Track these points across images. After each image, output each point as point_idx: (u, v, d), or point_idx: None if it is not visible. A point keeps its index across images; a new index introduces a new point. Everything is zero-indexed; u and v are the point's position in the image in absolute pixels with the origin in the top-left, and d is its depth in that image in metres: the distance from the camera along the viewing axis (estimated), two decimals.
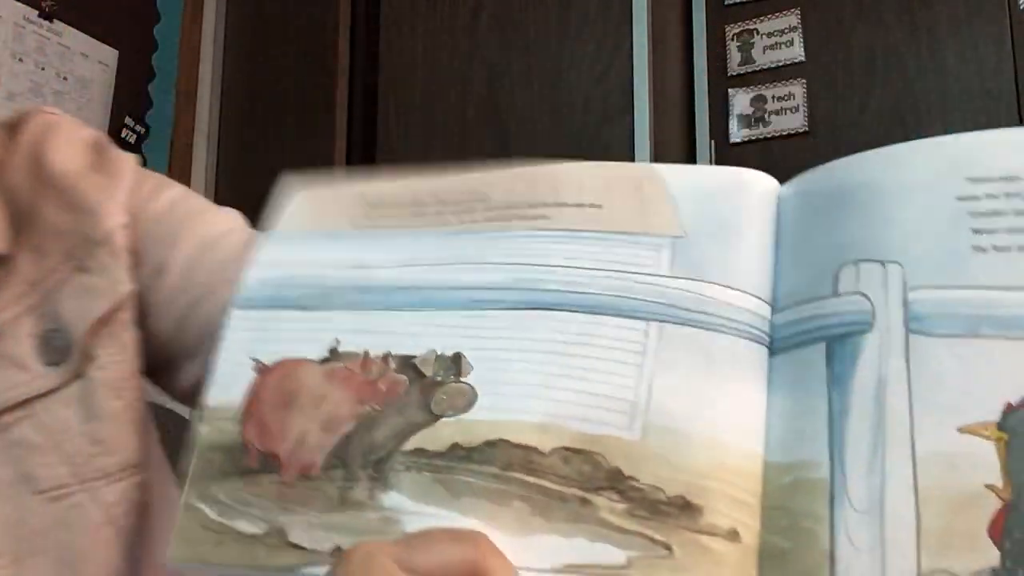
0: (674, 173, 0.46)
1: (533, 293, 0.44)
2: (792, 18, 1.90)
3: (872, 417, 0.36)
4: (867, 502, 0.35)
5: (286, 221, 0.51)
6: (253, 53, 2.35)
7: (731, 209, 0.44)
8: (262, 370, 0.46)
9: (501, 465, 0.40)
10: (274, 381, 0.45)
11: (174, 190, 0.60)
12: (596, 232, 0.45)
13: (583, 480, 0.39)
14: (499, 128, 2.01)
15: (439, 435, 0.41)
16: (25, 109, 0.59)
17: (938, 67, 1.77)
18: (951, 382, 0.35)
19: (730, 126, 1.92)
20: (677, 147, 1.93)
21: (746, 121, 1.91)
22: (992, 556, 0.32)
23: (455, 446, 0.41)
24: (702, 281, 0.42)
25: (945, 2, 1.78)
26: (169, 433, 0.65)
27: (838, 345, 0.38)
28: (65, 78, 1.99)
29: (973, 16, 1.75)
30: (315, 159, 2.11)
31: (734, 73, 1.94)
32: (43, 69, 1.95)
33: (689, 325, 0.41)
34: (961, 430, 0.34)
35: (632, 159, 1.84)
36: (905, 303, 0.37)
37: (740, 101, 1.92)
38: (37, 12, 1.93)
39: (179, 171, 2.22)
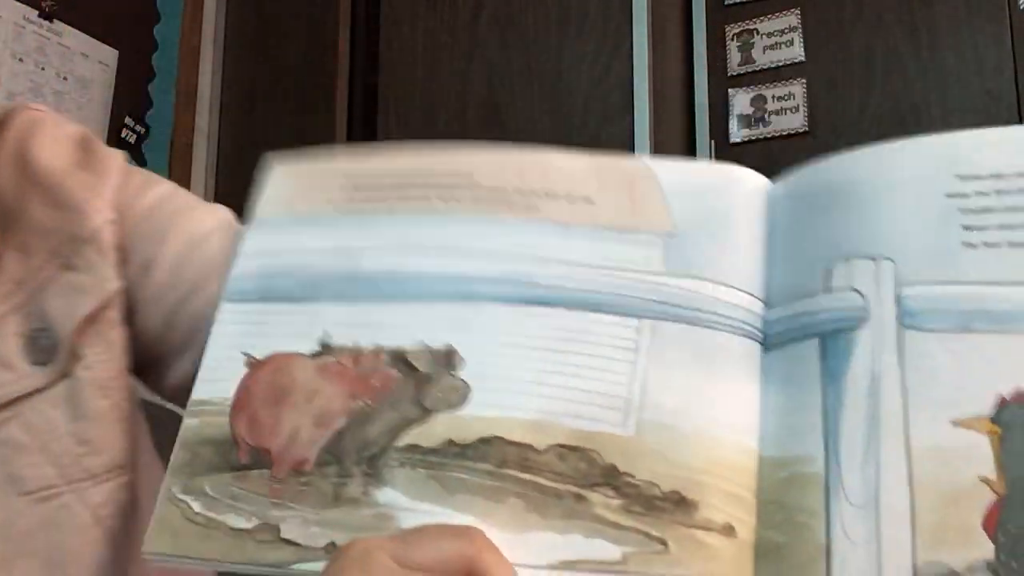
0: (665, 168, 0.46)
1: (526, 287, 0.44)
2: (792, 18, 1.90)
3: (866, 412, 0.36)
4: (862, 496, 0.35)
5: (269, 204, 0.51)
6: (253, 53, 2.35)
7: (722, 206, 0.44)
8: (253, 364, 0.45)
9: (496, 462, 0.40)
10: (265, 376, 0.45)
11: (162, 187, 0.59)
12: (588, 227, 0.45)
13: (578, 477, 0.39)
14: (499, 128, 2.01)
15: (432, 431, 0.41)
16: (10, 105, 0.58)
17: (938, 67, 1.76)
18: (944, 377, 0.35)
19: (730, 126, 1.92)
20: (677, 147, 1.93)
21: (746, 121, 1.91)
22: (987, 549, 0.32)
23: (449, 442, 0.41)
24: (695, 278, 0.42)
25: (945, 2, 1.78)
26: (167, 431, 0.64)
27: (831, 341, 0.38)
28: (65, 78, 1.99)
29: (973, 16, 1.75)
30: None
31: (734, 73, 1.94)
32: (43, 69, 1.95)
33: (682, 322, 0.41)
34: (955, 424, 0.34)
35: None
36: (898, 299, 0.38)
37: (740, 101, 1.92)
38: (37, 12, 1.93)
39: (179, 171, 2.22)
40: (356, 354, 0.44)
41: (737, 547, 0.37)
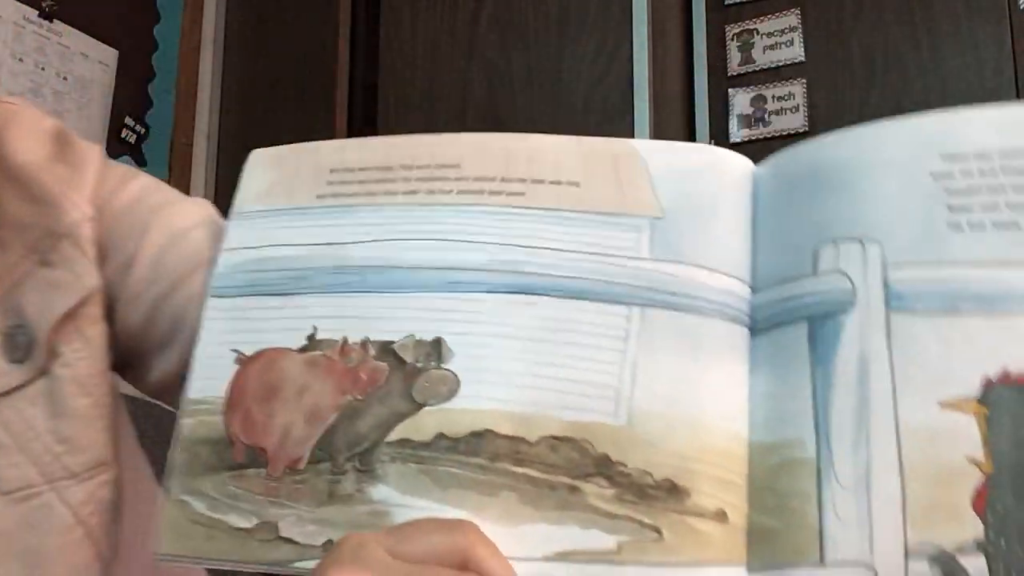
0: (650, 150, 0.46)
1: (514, 276, 0.44)
2: (792, 18, 1.90)
3: (856, 394, 0.36)
4: (853, 478, 0.35)
5: (251, 197, 0.51)
6: (253, 53, 2.35)
7: (708, 190, 0.44)
8: (243, 361, 0.45)
9: (488, 456, 0.40)
10: (256, 372, 0.45)
11: (141, 180, 0.58)
12: (574, 212, 0.45)
13: (571, 468, 0.39)
14: (499, 128, 2.01)
15: (423, 425, 0.41)
16: None
17: (938, 67, 1.77)
18: (932, 358, 0.35)
19: (730, 126, 1.93)
20: None
21: (746, 121, 1.92)
22: (976, 528, 0.33)
23: (440, 436, 0.41)
24: (682, 264, 0.42)
25: (945, 2, 1.78)
26: (150, 426, 0.64)
27: (819, 324, 0.38)
28: (65, 78, 2.00)
29: (973, 16, 1.75)
30: None
31: (734, 73, 1.94)
32: (43, 69, 1.95)
33: (670, 308, 0.41)
34: (943, 405, 0.35)
35: None
36: (885, 281, 0.38)
37: (740, 101, 1.93)
38: (37, 12, 1.94)
39: (179, 171, 2.22)
40: (344, 347, 0.44)
41: (730, 533, 0.37)
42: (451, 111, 2.07)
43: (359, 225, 0.47)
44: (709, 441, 0.38)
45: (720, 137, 1.92)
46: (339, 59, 2.21)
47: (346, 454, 0.41)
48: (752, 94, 1.92)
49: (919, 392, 0.35)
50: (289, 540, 0.40)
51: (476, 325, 0.43)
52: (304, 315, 0.45)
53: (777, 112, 1.89)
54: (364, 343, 0.43)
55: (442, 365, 0.42)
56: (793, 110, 1.87)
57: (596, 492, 0.38)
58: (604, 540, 0.38)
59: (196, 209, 0.57)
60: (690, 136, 1.95)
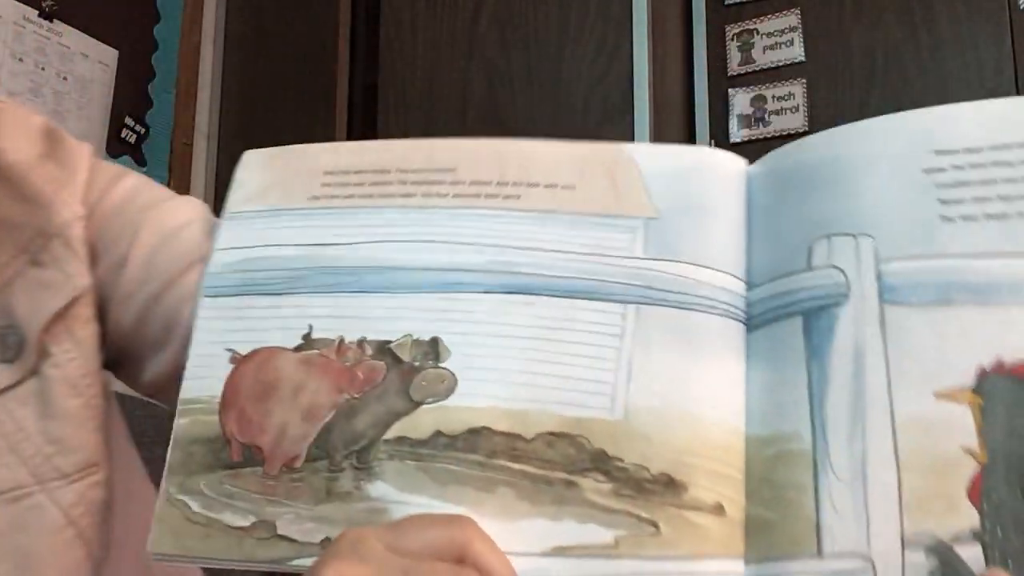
0: (644, 153, 0.46)
1: (509, 276, 0.44)
2: (792, 18, 1.90)
3: (851, 387, 0.37)
4: (849, 470, 0.35)
5: (244, 197, 0.51)
6: (253, 53, 2.35)
7: (702, 189, 0.44)
8: (237, 360, 0.45)
9: (485, 453, 0.40)
10: (250, 371, 0.45)
11: (132, 179, 0.57)
12: (569, 213, 0.45)
13: (568, 463, 0.39)
14: (499, 128, 2.01)
15: (420, 422, 0.41)
16: None
17: (938, 67, 1.77)
18: (926, 349, 0.36)
19: (730, 126, 1.93)
20: None
21: (746, 121, 1.92)
22: (972, 518, 0.33)
23: (437, 433, 0.41)
24: (676, 262, 0.43)
25: (945, 2, 1.78)
26: (143, 424, 0.64)
27: (814, 318, 0.39)
28: (65, 78, 2.00)
29: (973, 16, 1.76)
30: None
31: (734, 73, 1.94)
32: (43, 69, 1.95)
33: (666, 306, 0.42)
34: (938, 396, 0.35)
35: None
36: (878, 274, 0.38)
37: (740, 101, 1.93)
38: (37, 12, 1.94)
39: (179, 171, 2.22)
40: (341, 346, 0.44)
41: (727, 525, 0.37)
42: (451, 111, 2.07)
43: (356, 226, 0.47)
44: (705, 435, 0.39)
45: (720, 137, 1.92)
46: (339, 59, 2.21)
47: (343, 452, 0.42)
48: (752, 94, 1.92)
49: (914, 383, 0.35)
50: (287, 538, 0.40)
51: (473, 325, 0.43)
52: (300, 315, 0.45)
53: (777, 112, 1.89)
54: (361, 343, 0.44)
55: (439, 364, 0.42)
56: (793, 110, 1.88)
57: (593, 487, 0.39)
58: (601, 534, 0.38)
59: (188, 208, 0.57)
60: (690, 136, 1.95)
